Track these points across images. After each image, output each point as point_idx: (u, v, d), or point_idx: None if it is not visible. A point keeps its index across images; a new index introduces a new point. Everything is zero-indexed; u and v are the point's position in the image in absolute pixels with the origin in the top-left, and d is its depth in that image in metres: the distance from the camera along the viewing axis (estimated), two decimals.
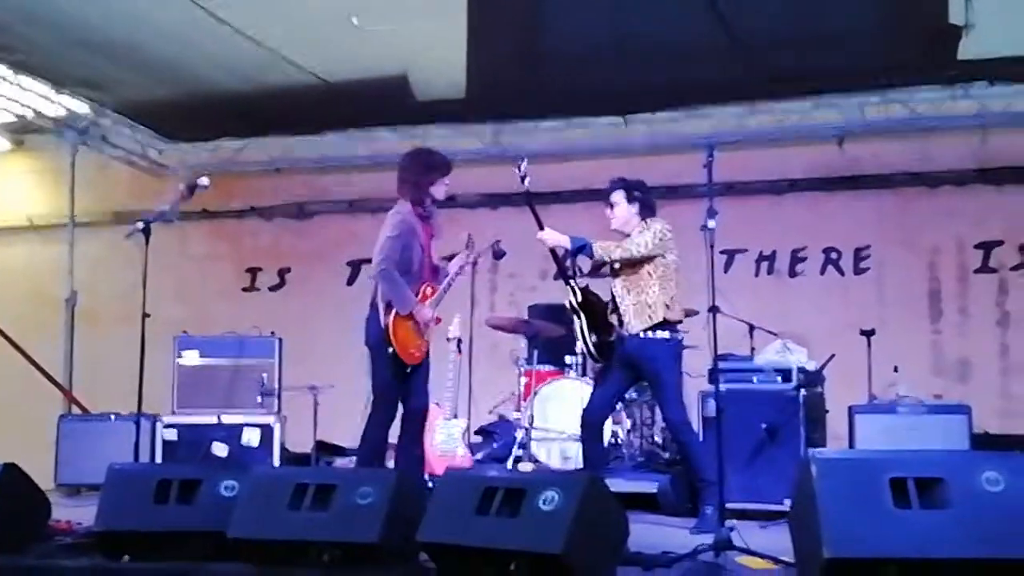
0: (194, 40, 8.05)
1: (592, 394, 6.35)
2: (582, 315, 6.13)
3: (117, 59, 8.49)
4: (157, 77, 8.86)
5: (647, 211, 6.15)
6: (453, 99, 9.21)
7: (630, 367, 6.12)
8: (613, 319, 6.09)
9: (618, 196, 6.18)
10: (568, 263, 6.18)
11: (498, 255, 6.90)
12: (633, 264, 6.02)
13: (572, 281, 6.19)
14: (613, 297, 6.12)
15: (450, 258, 6.27)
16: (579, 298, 6.16)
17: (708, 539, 4.88)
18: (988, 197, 9.15)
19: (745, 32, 7.81)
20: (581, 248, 6.01)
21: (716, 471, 5.54)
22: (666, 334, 5.98)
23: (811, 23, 7.85)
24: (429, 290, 6.07)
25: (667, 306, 5.97)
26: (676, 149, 9.40)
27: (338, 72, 8.74)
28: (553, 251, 6.15)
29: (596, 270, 6.23)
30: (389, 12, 7.61)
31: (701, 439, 6.58)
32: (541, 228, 6.09)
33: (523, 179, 6.10)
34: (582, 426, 6.24)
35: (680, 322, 6.08)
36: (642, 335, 5.97)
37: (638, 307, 5.97)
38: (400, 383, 6.03)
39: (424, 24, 7.78)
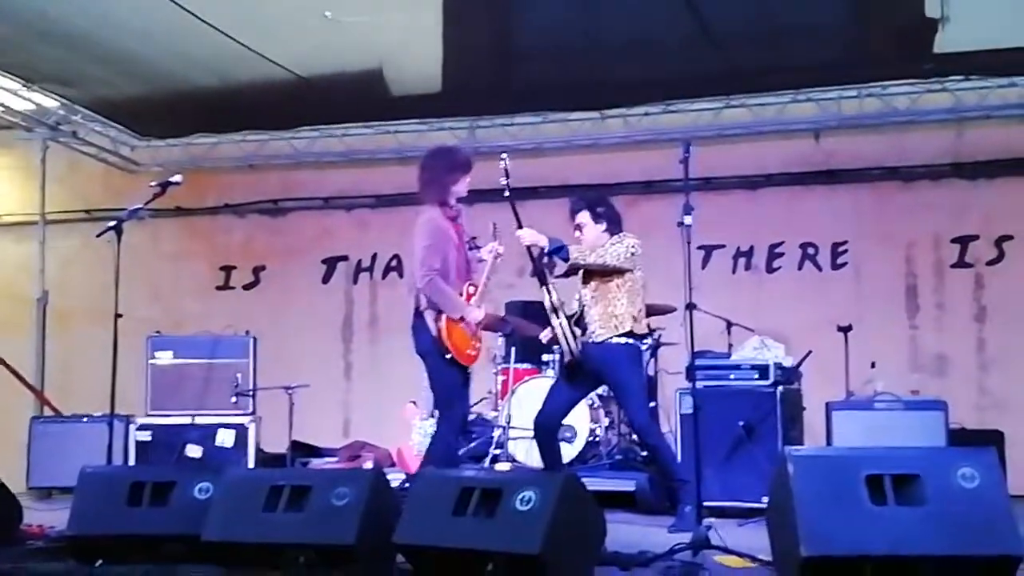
0: (165, 35, 7.96)
1: (547, 398, 6.30)
2: (561, 314, 6.08)
3: (88, 55, 8.38)
4: (128, 73, 8.76)
5: (614, 225, 6.16)
6: (429, 94, 9.15)
7: (591, 374, 6.13)
8: (578, 328, 6.08)
9: (584, 217, 6.16)
10: (543, 263, 6.13)
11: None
12: (604, 274, 6.02)
13: (549, 282, 6.14)
14: (581, 305, 6.11)
15: (476, 248, 6.20)
16: (556, 298, 6.11)
17: (686, 538, 4.87)
18: (964, 191, 9.16)
19: (719, 26, 7.79)
20: (558, 250, 5.98)
21: (688, 470, 5.53)
22: (628, 340, 5.99)
23: (786, 16, 7.83)
24: (472, 288, 6.04)
25: (634, 319, 6.00)
26: (652, 144, 9.41)
27: (312, 67, 8.66)
28: (530, 250, 6.10)
29: (568, 273, 6.20)
30: (363, 5, 7.54)
31: (679, 437, 6.59)
32: (520, 226, 6.04)
33: (506, 174, 6.03)
34: (536, 430, 6.23)
35: (645, 336, 6.11)
36: (604, 342, 5.97)
37: (604, 317, 5.99)
38: (464, 386, 6.03)
39: (399, 17, 7.72)
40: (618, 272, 5.99)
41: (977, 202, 9.11)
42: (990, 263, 9.06)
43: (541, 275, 6.12)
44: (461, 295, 5.97)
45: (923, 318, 9.18)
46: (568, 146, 9.83)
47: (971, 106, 8.91)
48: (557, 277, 6.20)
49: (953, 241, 9.16)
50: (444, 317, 5.86)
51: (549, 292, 6.08)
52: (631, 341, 6.00)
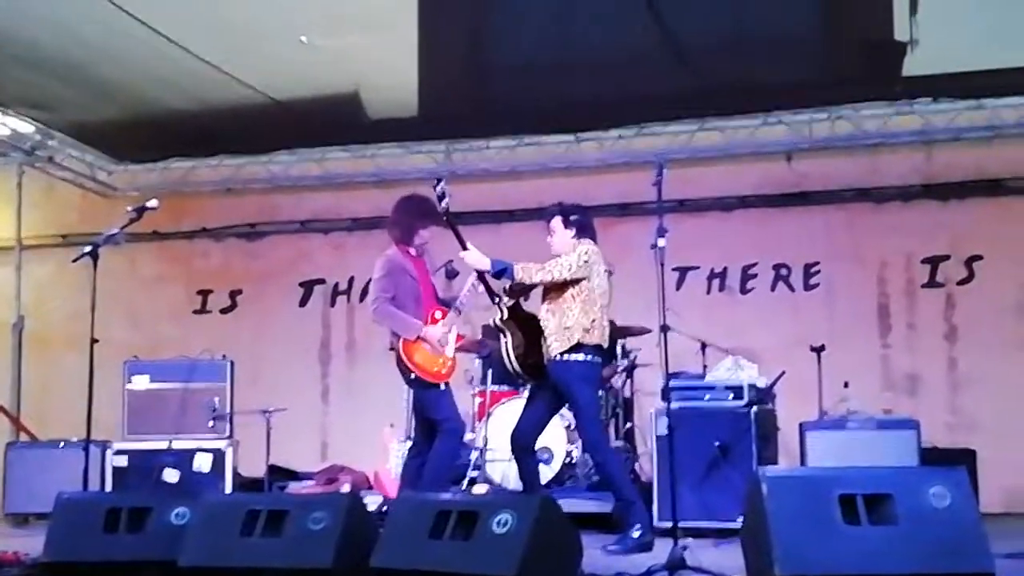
0: (142, 60, 7.99)
1: (521, 415, 6.38)
2: (507, 334, 6.17)
3: (64, 80, 8.40)
4: (105, 98, 8.77)
5: (583, 233, 6.19)
6: (405, 117, 9.21)
7: (554, 390, 6.16)
8: (543, 343, 6.11)
9: (556, 222, 6.24)
10: (493, 283, 6.23)
11: (450, 275, 6.93)
12: (558, 288, 6.05)
13: (499, 300, 6.24)
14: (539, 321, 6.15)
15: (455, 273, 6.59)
16: (506, 316, 6.19)
17: (661, 559, 4.91)
18: (934, 212, 9.25)
19: (692, 49, 7.88)
20: (502, 272, 6.06)
21: (664, 491, 5.55)
22: (581, 356, 5.99)
23: (758, 40, 7.93)
24: (439, 314, 6.31)
25: (586, 330, 5.98)
26: (627, 166, 9.44)
27: (288, 91, 8.71)
28: (479, 271, 6.18)
29: (519, 292, 6.25)
30: (338, 30, 7.59)
31: (655, 458, 6.65)
32: (464, 248, 6.13)
33: (440, 199, 6.11)
34: (512, 446, 6.30)
35: (599, 347, 6.08)
36: (559, 358, 6.00)
37: (559, 331, 6.01)
38: (445, 401, 6.26)
39: (374, 42, 7.78)
40: (573, 282, 6.02)
41: (947, 223, 9.20)
42: (960, 283, 9.15)
43: (491, 294, 6.28)
44: (426, 320, 6.21)
45: (895, 338, 9.26)
46: (543, 169, 9.86)
47: (940, 128, 9.04)
48: (514, 295, 6.25)
49: (924, 261, 9.24)
50: (402, 340, 6.15)
51: (500, 311, 6.20)
52: (583, 356, 5.99)
